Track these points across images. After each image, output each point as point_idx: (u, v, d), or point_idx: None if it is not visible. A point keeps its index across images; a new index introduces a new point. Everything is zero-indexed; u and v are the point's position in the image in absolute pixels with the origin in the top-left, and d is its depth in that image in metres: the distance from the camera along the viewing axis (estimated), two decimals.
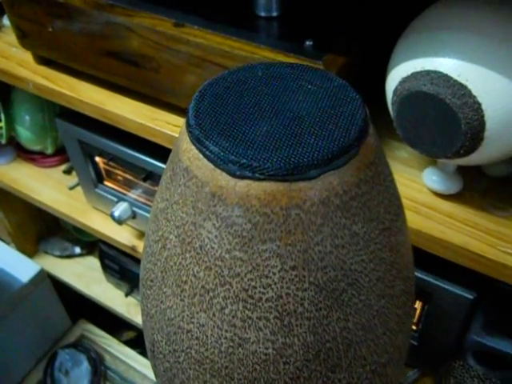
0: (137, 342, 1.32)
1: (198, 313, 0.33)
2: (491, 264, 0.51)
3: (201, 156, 0.31)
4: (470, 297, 0.60)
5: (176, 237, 0.33)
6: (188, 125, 0.32)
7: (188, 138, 0.32)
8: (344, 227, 0.31)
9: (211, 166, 0.30)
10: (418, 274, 0.62)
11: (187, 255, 0.33)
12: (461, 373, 0.53)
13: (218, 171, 0.30)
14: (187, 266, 0.33)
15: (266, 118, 0.32)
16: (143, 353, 1.25)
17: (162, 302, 0.36)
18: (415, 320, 0.70)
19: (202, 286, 0.33)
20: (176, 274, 0.34)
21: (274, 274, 0.31)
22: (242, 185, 0.29)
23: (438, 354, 0.69)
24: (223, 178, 0.30)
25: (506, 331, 0.63)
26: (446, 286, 0.61)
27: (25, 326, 1.17)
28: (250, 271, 0.31)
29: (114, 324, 1.29)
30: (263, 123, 0.31)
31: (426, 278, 0.62)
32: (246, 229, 0.30)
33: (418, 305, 0.68)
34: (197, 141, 0.31)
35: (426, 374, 0.76)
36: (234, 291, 0.32)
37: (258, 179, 0.29)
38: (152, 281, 0.37)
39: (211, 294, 0.32)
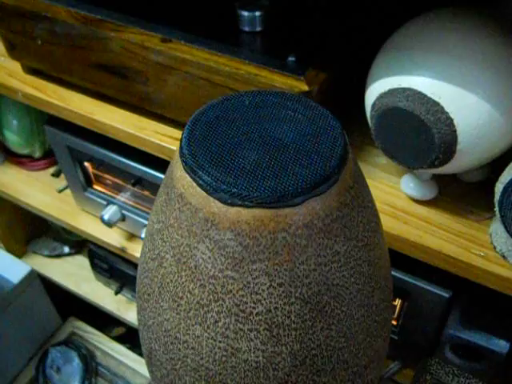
0: (127, 338, 1.34)
1: (193, 325, 0.36)
2: (465, 266, 0.55)
3: (194, 184, 0.33)
4: (446, 295, 0.63)
5: (172, 256, 0.36)
6: (181, 154, 0.35)
7: (182, 166, 0.34)
8: (326, 247, 0.34)
9: (204, 193, 0.33)
10: (397, 274, 0.65)
11: (183, 273, 0.35)
12: (436, 369, 0.57)
13: (211, 199, 0.33)
14: (183, 283, 0.36)
15: (253, 147, 0.34)
16: (133, 348, 1.28)
17: (159, 314, 0.39)
18: (395, 316, 0.73)
19: (197, 302, 0.35)
20: (172, 290, 0.37)
21: (263, 290, 0.34)
22: (233, 211, 0.32)
23: (418, 347, 0.73)
24: (216, 205, 0.33)
25: (481, 325, 0.67)
26: (423, 286, 0.64)
27: (16, 326, 1.19)
28: (241, 288, 0.34)
29: (103, 320, 1.32)
30: (251, 152, 0.34)
31: (404, 277, 0.65)
32: (237, 251, 0.33)
33: (397, 302, 0.71)
34: (190, 170, 0.34)
35: (406, 365, 0.80)
36: (227, 306, 0.35)
37: (248, 206, 0.32)
38: (149, 295, 0.40)
39: (206, 308, 0.35)
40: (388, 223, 0.58)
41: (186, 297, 0.36)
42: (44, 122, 0.87)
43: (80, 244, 1.29)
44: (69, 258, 1.28)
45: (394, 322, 0.74)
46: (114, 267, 1.12)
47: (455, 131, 0.49)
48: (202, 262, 0.34)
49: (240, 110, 0.37)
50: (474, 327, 0.67)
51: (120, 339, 1.31)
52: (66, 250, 1.27)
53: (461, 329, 0.67)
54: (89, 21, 0.63)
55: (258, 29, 0.60)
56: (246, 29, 0.60)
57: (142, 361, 1.24)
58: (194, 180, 0.33)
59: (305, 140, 0.35)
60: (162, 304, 0.38)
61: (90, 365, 1.23)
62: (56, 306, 1.29)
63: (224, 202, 0.32)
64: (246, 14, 0.59)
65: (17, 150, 1.04)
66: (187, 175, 0.34)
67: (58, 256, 1.27)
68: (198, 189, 0.33)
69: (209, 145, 0.35)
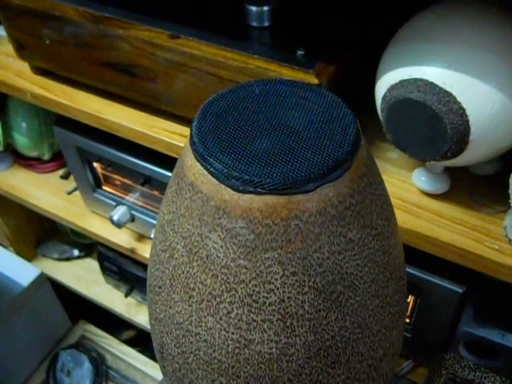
0: (137, 341, 1.34)
1: (205, 317, 0.36)
2: (478, 259, 0.54)
3: (205, 172, 0.33)
4: (460, 290, 0.63)
5: (183, 247, 0.35)
6: (192, 142, 0.34)
7: (192, 154, 0.34)
8: (340, 235, 0.33)
9: (215, 181, 0.32)
10: (410, 270, 0.65)
11: (194, 264, 0.35)
12: (452, 364, 0.56)
13: (222, 186, 0.32)
14: (195, 274, 0.35)
15: (265, 135, 0.34)
16: (143, 351, 1.28)
17: (170, 307, 0.38)
18: (408, 313, 0.72)
19: (209, 293, 0.35)
20: (184, 281, 0.36)
21: (276, 279, 0.33)
22: (245, 199, 0.32)
23: (431, 345, 0.72)
24: (227, 193, 0.32)
25: (495, 322, 0.66)
26: (436, 281, 0.63)
27: (26, 329, 1.19)
28: (253, 278, 0.33)
29: (113, 324, 1.32)
30: (263, 139, 0.34)
31: (417, 273, 0.64)
32: (249, 239, 0.32)
33: (410, 299, 0.70)
34: (201, 158, 0.33)
35: (419, 364, 0.79)
36: (240, 296, 0.34)
37: (260, 193, 0.31)
38: (160, 287, 0.39)
39: (218, 299, 0.35)
40: (400, 217, 0.57)
41: (198, 288, 0.35)
42: (52, 124, 0.87)
43: (89, 247, 1.29)
44: (78, 261, 1.28)
45: (407, 320, 0.73)
46: (123, 269, 1.12)
47: (468, 121, 0.48)
48: (213, 252, 0.34)
49: (250, 99, 0.37)
50: (488, 324, 0.66)
51: (130, 342, 1.31)
52: (76, 253, 1.27)
53: (475, 325, 0.66)
54: (97, 19, 0.63)
55: (266, 24, 0.60)
56: (254, 24, 0.60)
57: (153, 364, 1.23)
58: (205, 168, 0.33)
59: (316, 127, 0.35)
60: (173, 296, 0.38)
61: (101, 368, 1.23)
62: (66, 309, 1.29)
63: (236, 190, 0.32)
64: (253, 8, 0.59)
65: (26, 152, 1.04)
66: (198, 163, 0.33)
67: (68, 259, 1.28)
68: (209, 177, 0.33)
69: (219, 133, 0.34)
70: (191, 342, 0.38)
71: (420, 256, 0.60)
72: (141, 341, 1.33)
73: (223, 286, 0.34)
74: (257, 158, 0.33)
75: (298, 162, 0.32)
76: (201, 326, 0.36)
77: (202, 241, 0.34)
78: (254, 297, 0.34)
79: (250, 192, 0.31)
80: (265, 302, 0.34)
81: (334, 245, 0.33)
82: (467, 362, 0.56)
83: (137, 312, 1.19)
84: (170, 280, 0.38)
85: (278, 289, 0.33)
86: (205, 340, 0.37)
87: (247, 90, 0.38)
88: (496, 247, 0.54)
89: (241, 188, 0.32)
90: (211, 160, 0.32)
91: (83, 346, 1.26)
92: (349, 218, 0.33)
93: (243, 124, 0.35)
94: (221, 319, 0.35)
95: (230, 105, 0.36)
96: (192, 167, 0.34)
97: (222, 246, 0.33)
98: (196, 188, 0.34)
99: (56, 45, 0.69)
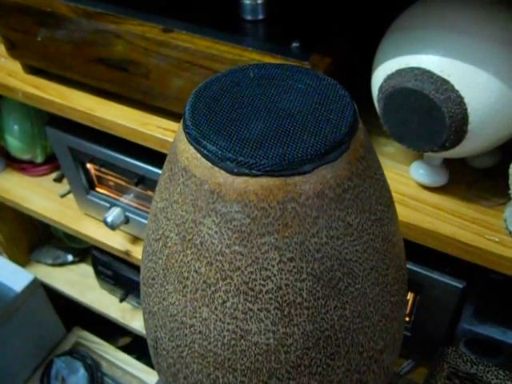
0: (133, 348, 1.32)
1: (200, 307, 0.35)
2: (478, 252, 0.53)
3: (199, 155, 0.32)
4: (460, 286, 0.62)
5: (177, 234, 0.34)
6: (185, 126, 0.33)
7: (185, 138, 0.33)
8: (338, 219, 0.32)
9: (209, 164, 0.31)
10: (409, 266, 0.64)
11: (188, 252, 0.34)
12: (454, 358, 0.55)
13: (216, 169, 0.31)
14: (188, 262, 0.34)
15: (260, 117, 0.33)
16: (139, 358, 1.26)
17: (164, 299, 0.37)
18: (408, 311, 0.71)
19: (204, 281, 0.34)
20: (178, 270, 0.35)
21: (273, 266, 0.32)
22: (240, 181, 0.31)
23: (432, 343, 0.71)
24: (221, 176, 0.31)
25: (496, 319, 0.65)
26: (436, 277, 0.62)
27: (20, 336, 1.17)
28: (249, 264, 0.32)
29: (109, 330, 1.30)
30: (258, 122, 0.33)
31: (416, 269, 0.63)
32: (244, 223, 0.31)
33: (410, 296, 0.69)
34: (194, 141, 0.32)
35: (420, 364, 0.77)
36: (235, 284, 0.33)
37: (255, 175, 0.30)
38: (153, 279, 0.38)
39: (213, 288, 0.34)
40: (399, 211, 0.56)
41: (192, 277, 0.34)
42: (45, 126, 0.86)
43: (83, 252, 1.27)
44: (72, 267, 1.27)
45: (407, 319, 0.72)
46: (118, 273, 1.11)
47: (466, 110, 0.47)
48: (208, 238, 0.33)
49: (245, 82, 0.36)
50: (489, 321, 0.65)
51: (126, 349, 1.29)
52: (70, 258, 1.26)
53: (475, 323, 0.65)
54: (89, 14, 0.62)
55: (261, 17, 0.59)
56: (249, 17, 0.59)
57: (149, 370, 1.22)
58: (199, 151, 0.32)
59: (313, 109, 0.34)
60: (167, 287, 0.37)
61: (96, 375, 1.21)
62: (60, 315, 1.27)
63: (230, 172, 0.31)
64: (248, 2, 0.58)
65: (18, 155, 1.03)
66: (191, 147, 0.32)
67: (62, 264, 1.26)
68: (203, 160, 0.32)
69: (213, 116, 0.33)
70: (186, 335, 0.37)
71: (419, 252, 0.59)
72: (137, 347, 1.32)
73: (218, 274, 0.33)
74: (252, 140, 0.32)
75: (294, 144, 0.31)
76: (195, 317, 0.35)
77: (195, 227, 0.33)
78: (250, 284, 0.33)
79: (245, 174, 0.30)
80: (261, 290, 0.33)
81: (332, 229, 0.32)
82: (469, 356, 0.55)
83: (132, 317, 1.18)
84: (163, 270, 0.36)
85: (274, 276, 0.32)
86: (200, 332, 0.36)
87: (242, 73, 0.37)
88: (496, 239, 0.53)
89: (235, 170, 0.31)
90: (205, 142, 0.31)
91: (78, 352, 1.24)
92: (347, 202, 0.32)
93: (237, 107, 0.34)
94: (216, 309, 0.34)
95: (224, 88, 0.36)
96: (185, 151, 0.33)
97: (216, 232, 0.32)
98: (189, 172, 0.33)
99: (48, 42, 0.68)
